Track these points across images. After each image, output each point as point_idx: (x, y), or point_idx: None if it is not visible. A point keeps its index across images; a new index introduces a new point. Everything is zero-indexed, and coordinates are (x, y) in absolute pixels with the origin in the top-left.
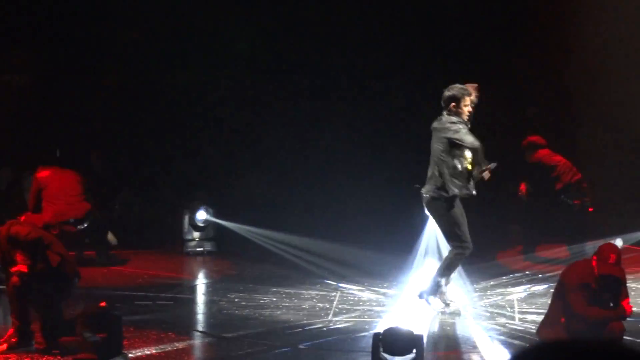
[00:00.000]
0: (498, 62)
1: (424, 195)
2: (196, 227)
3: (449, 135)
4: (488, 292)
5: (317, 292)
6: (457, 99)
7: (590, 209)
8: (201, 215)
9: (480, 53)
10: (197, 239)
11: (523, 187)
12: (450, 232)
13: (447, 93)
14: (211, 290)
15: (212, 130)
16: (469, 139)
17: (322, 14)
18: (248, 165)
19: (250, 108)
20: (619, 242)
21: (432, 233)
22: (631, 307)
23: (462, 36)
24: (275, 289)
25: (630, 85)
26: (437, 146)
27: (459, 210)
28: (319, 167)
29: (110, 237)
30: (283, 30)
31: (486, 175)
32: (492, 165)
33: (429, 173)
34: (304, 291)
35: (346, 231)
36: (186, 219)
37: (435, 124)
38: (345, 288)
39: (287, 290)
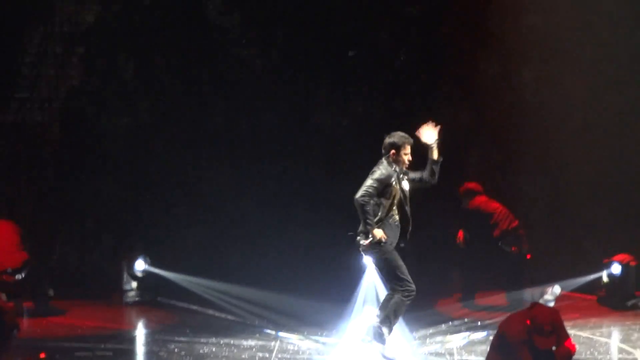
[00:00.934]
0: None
1: (361, 241)
2: (135, 277)
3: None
4: (427, 340)
5: (256, 342)
6: (397, 147)
7: (528, 256)
8: (139, 265)
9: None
10: (136, 289)
11: (461, 234)
12: (392, 275)
13: (387, 140)
14: (151, 340)
15: (149, 178)
16: (361, 199)
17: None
18: (185, 214)
19: (185, 157)
20: (556, 290)
21: (370, 280)
22: (574, 346)
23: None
24: (214, 339)
25: (564, 128)
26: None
27: (395, 253)
28: (256, 215)
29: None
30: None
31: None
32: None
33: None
34: (243, 341)
35: (284, 279)
36: (124, 268)
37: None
38: (284, 337)
39: (226, 340)
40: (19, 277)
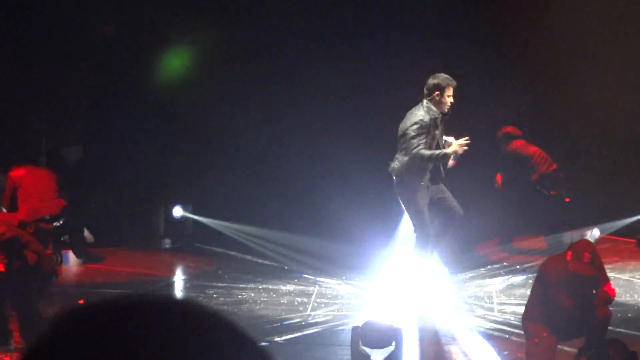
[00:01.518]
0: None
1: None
2: (173, 223)
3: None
4: (466, 284)
5: (295, 287)
6: (441, 88)
7: (567, 199)
8: (177, 211)
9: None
10: (174, 235)
11: (499, 177)
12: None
13: (431, 81)
14: (189, 286)
15: (187, 127)
16: (420, 151)
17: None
18: (223, 161)
19: (223, 104)
20: (595, 233)
21: (407, 224)
22: (614, 290)
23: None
24: (253, 285)
25: (605, 80)
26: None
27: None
28: (294, 162)
29: (87, 234)
30: (255, 34)
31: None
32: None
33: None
34: (282, 286)
35: (323, 225)
36: (162, 215)
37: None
38: (323, 282)
39: (265, 286)
40: (56, 224)
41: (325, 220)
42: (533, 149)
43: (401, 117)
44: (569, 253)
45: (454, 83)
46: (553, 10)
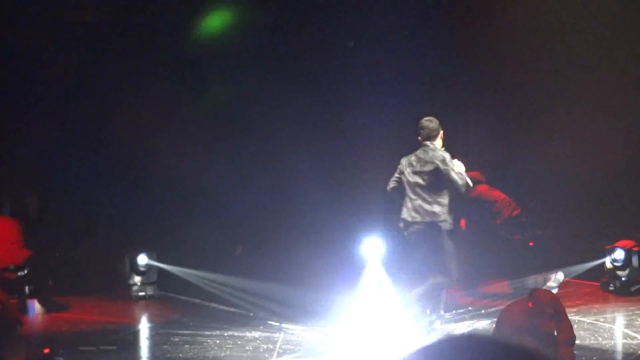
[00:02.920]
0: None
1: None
2: (138, 271)
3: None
4: (431, 328)
5: (260, 334)
6: (441, 129)
7: (531, 243)
8: (142, 259)
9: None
10: (139, 284)
11: (462, 222)
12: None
13: (434, 124)
14: (154, 334)
15: (152, 174)
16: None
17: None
18: (188, 208)
19: (188, 151)
20: (560, 276)
21: (373, 270)
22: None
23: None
24: (218, 332)
25: (569, 123)
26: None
27: None
28: (258, 209)
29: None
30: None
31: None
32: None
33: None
34: (247, 333)
35: (288, 272)
36: (128, 263)
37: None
38: (288, 328)
39: (230, 333)
40: (21, 274)
41: (290, 267)
42: (497, 194)
43: (369, 166)
44: (530, 305)
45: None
46: (515, 47)
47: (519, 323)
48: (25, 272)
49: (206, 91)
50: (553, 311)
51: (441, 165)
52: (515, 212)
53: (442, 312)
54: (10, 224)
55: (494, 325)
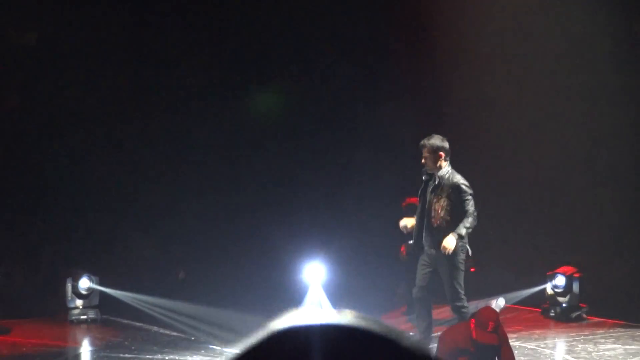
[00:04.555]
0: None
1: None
2: (79, 295)
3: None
4: None
5: (201, 358)
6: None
7: (472, 269)
8: (84, 283)
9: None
10: (81, 307)
11: (403, 248)
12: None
13: (443, 143)
14: (96, 357)
15: (92, 196)
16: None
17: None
18: (129, 231)
19: (127, 172)
20: (501, 302)
21: (315, 295)
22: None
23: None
24: (160, 355)
25: (509, 147)
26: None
27: None
28: (198, 231)
29: None
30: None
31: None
32: None
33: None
34: (188, 357)
35: (229, 295)
36: (69, 286)
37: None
38: (229, 352)
39: (171, 357)
40: None
41: (232, 291)
42: None
43: (313, 189)
44: (472, 321)
45: (420, 144)
46: (463, 61)
47: (459, 344)
48: None
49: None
50: (494, 327)
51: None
52: None
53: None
54: None
55: (436, 349)
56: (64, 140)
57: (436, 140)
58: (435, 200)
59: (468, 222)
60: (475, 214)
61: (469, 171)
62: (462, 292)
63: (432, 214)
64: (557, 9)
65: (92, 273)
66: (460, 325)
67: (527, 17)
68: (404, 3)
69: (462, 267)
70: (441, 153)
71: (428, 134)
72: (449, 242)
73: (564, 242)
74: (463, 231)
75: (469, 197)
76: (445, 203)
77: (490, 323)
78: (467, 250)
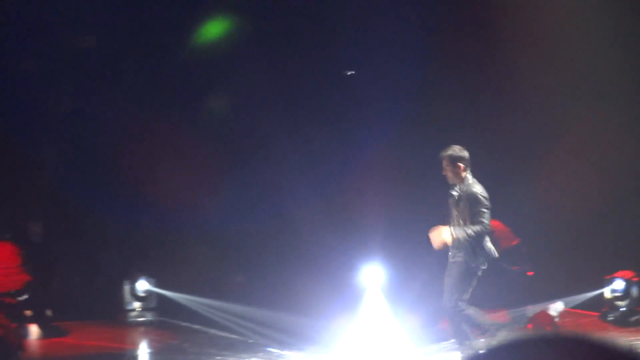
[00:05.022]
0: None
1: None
2: (137, 297)
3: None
4: (432, 357)
5: None
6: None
7: (530, 273)
8: (142, 285)
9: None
10: (139, 309)
11: None
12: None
13: (462, 153)
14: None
15: (152, 199)
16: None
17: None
18: (188, 234)
19: (185, 176)
20: (558, 306)
21: (373, 298)
22: None
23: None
24: (218, 358)
25: (566, 152)
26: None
27: None
28: (258, 235)
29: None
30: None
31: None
32: None
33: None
34: (246, 359)
35: (287, 298)
36: (127, 289)
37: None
38: (286, 355)
39: (229, 359)
40: (21, 299)
41: (290, 294)
42: (495, 224)
43: (369, 193)
44: (529, 326)
45: (440, 155)
46: (520, 65)
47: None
48: (26, 297)
49: (208, 115)
50: (552, 328)
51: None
52: (513, 242)
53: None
54: (10, 249)
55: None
56: (122, 143)
57: (454, 151)
58: (456, 212)
59: (473, 229)
60: (485, 224)
61: (524, 170)
62: (457, 297)
63: (454, 226)
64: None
65: (150, 275)
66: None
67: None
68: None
69: (468, 276)
70: (460, 164)
71: (487, 134)
72: (439, 233)
73: (623, 245)
74: (461, 234)
75: (484, 210)
76: (466, 214)
77: (547, 329)
78: (480, 260)
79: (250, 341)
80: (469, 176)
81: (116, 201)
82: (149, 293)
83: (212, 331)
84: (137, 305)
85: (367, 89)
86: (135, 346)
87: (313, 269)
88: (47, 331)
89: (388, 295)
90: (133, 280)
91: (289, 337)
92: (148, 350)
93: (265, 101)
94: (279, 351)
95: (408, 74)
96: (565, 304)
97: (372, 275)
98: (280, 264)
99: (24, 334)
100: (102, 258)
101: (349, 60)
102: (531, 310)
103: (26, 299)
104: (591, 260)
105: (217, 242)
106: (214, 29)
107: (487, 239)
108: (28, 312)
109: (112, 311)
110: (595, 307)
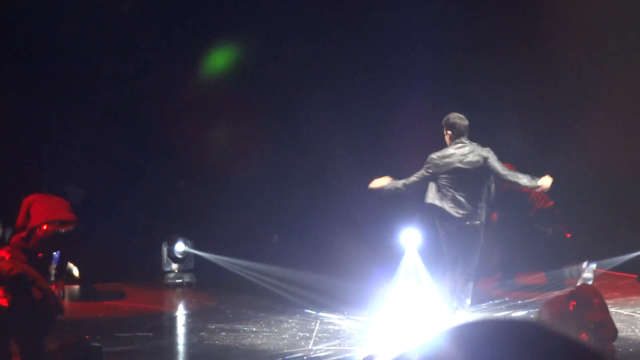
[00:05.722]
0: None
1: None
2: (175, 259)
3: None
4: (467, 319)
5: (297, 322)
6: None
7: (568, 235)
8: (180, 247)
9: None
10: (176, 271)
11: (495, 215)
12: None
13: (466, 121)
14: (191, 321)
15: (190, 162)
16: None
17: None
18: (225, 197)
19: (224, 140)
20: (592, 266)
21: (411, 260)
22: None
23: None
24: (255, 319)
25: (606, 115)
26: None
27: None
28: (296, 198)
29: (74, 269)
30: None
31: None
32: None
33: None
34: (283, 320)
35: (325, 260)
36: (165, 251)
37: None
38: (325, 317)
39: (266, 320)
40: (66, 230)
41: (327, 255)
42: None
43: (407, 157)
44: (573, 304)
45: None
46: (557, 42)
47: (564, 312)
48: (71, 230)
49: (246, 80)
50: (599, 302)
51: (490, 156)
52: (548, 204)
53: (468, 302)
54: (58, 199)
55: (536, 314)
56: (162, 108)
57: (447, 119)
58: None
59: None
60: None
61: (561, 134)
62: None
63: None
64: None
65: (188, 237)
66: (561, 296)
67: None
68: None
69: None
70: (448, 132)
71: (524, 96)
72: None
73: None
74: None
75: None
76: None
77: (595, 301)
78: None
79: (287, 303)
80: (451, 144)
81: (155, 164)
82: (186, 255)
83: (249, 293)
84: (174, 267)
85: (406, 49)
86: (173, 308)
87: (351, 232)
88: (86, 293)
89: (425, 258)
90: (171, 242)
91: (326, 299)
92: (185, 312)
93: (302, 64)
94: (316, 312)
95: (447, 31)
96: (602, 266)
97: (410, 237)
98: (318, 226)
99: (62, 296)
100: (141, 220)
101: (386, 22)
102: (567, 271)
103: (65, 260)
104: (629, 223)
105: (254, 204)
106: None
107: (428, 194)
108: (66, 274)
109: (150, 273)
110: (634, 270)
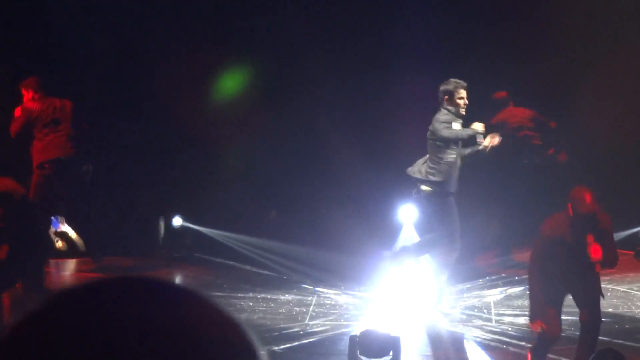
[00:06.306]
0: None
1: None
2: (172, 233)
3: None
4: (465, 295)
5: (293, 296)
6: (449, 92)
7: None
8: (177, 221)
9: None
10: (173, 245)
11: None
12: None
13: (441, 87)
14: None
15: (186, 137)
16: (446, 132)
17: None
18: (222, 171)
19: (221, 116)
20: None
21: (408, 236)
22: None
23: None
24: (251, 294)
25: (609, 88)
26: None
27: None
28: (293, 172)
29: (79, 241)
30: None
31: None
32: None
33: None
34: (280, 295)
35: (322, 235)
36: (162, 224)
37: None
38: (321, 292)
39: (263, 295)
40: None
41: (325, 231)
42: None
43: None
44: (569, 206)
45: (463, 84)
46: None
47: (556, 232)
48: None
49: (247, 55)
50: (592, 195)
51: (435, 128)
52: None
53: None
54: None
55: (534, 243)
56: (164, 86)
57: (443, 84)
58: None
59: None
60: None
61: (560, 106)
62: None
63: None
64: None
65: (185, 212)
66: (557, 215)
67: None
68: None
69: None
70: (445, 96)
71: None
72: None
73: None
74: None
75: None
76: None
77: (586, 195)
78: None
79: (284, 278)
80: (444, 107)
81: (152, 137)
82: (183, 229)
83: (247, 267)
84: (171, 241)
85: (407, 26)
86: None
87: (349, 207)
88: (97, 257)
89: (421, 233)
90: (168, 216)
91: (323, 274)
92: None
93: (302, 41)
94: (312, 287)
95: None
96: None
97: (408, 212)
98: (315, 201)
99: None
100: (138, 194)
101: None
102: None
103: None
104: (626, 198)
105: (252, 178)
106: None
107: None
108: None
109: (147, 247)
110: (630, 246)
